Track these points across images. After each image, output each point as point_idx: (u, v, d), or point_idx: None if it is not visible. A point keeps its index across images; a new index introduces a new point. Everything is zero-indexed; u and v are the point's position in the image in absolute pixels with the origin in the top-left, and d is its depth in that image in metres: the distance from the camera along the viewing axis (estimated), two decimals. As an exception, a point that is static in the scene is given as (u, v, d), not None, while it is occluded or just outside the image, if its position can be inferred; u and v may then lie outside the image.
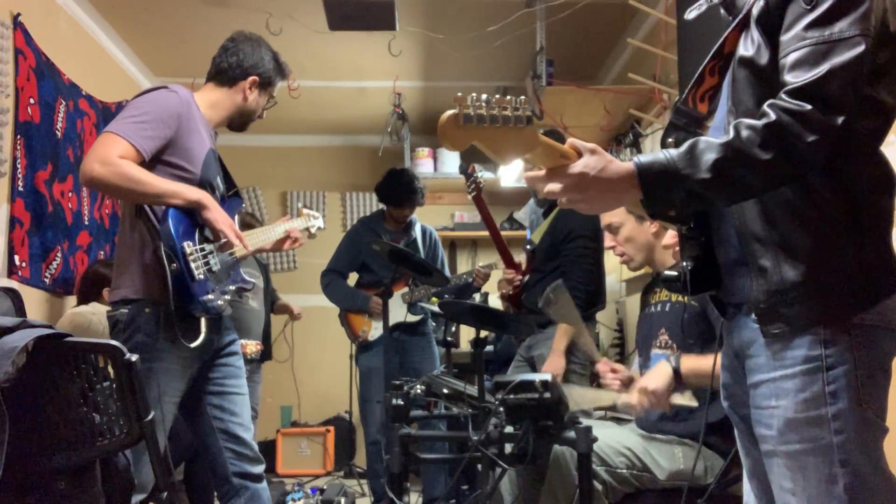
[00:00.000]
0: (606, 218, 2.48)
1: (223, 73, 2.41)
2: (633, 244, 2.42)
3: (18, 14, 3.25)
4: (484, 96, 1.19)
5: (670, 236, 2.28)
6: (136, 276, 2.18)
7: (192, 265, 2.14)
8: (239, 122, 2.47)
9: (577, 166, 1.24)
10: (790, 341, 1.25)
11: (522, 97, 1.22)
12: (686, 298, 2.26)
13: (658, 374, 2.11)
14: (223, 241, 2.25)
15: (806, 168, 1.20)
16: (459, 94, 1.19)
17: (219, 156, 2.43)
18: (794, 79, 1.19)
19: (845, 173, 1.24)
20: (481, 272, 4.02)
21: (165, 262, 2.10)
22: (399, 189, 3.98)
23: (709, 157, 1.20)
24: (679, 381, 2.08)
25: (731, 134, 1.20)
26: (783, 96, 1.19)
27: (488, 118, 1.19)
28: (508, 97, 1.21)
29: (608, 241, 2.50)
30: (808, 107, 1.16)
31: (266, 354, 4.70)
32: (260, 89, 2.45)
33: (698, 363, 2.09)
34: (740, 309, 1.37)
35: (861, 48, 1.17)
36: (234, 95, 2.41)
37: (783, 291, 1.25)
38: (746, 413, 1.37)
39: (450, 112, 1.20)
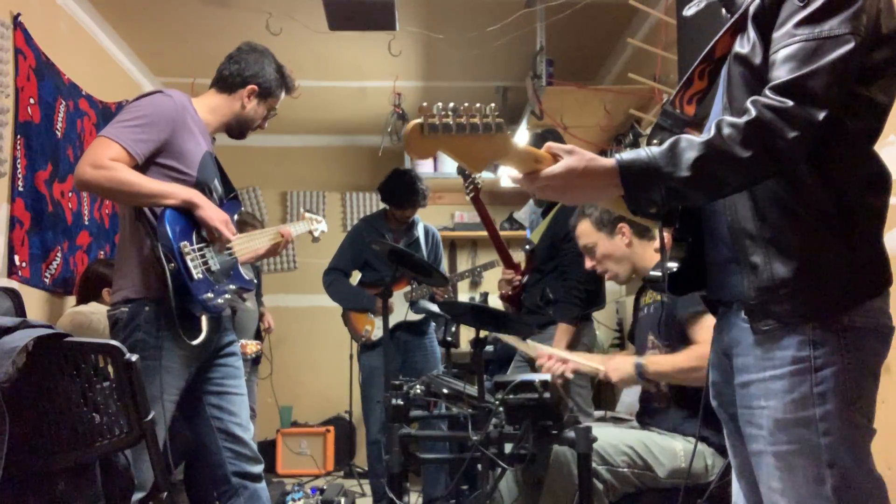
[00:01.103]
0: (581, 241, 2.52)
1: (224, 80, 2.45)
2: (611, 259, 2.47)
3: (18, 14, 3.26)
4: (451, 104, 1.18)
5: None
6: (135, 275, 2.20)
7: (190, 264, 2.15)
8: (237, 129, 2.50)
9: (558, 168, 1.26)
10: (779, 340, 1.25)
11: (492, 104, 1.21)
12: (661, 297, 2.33)
13: (624, 376, 2.26)
14: (218, 239, 2.26)
15: (787, 164, 1.21)
16: (424, 103, 1.18)
17: (217, 159, 2.45)
18: (780, 74, 1.20)
19: (838, 171, 1.24)
20: (441, 293, 3.98)
21: (164, 262, 2.11)
22: (401, 190, 3.98)
23: (689, 155, 1.20)
24: (645, 379, 2.25)
25: (713, 132, 1.21)
26: (767, 92, 1.20)
27: (454, 127, 1.17)
28: (478, 104, 1.19)
29: (588, 263, 2.54)
30: (790, 103, 1.17)
31: (258, 359, 4.73)
32: (259, 99, 2.47)
33: (662, 366, 2.22)
34: (730, 307, 1.38)
35: (850, 46, 1.17)
36: (232, 103, 2.44)
37: (774, 288, 1.25)
38: (735, 412, 1.37)
39: (414, 121, 1.19)
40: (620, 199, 1.27)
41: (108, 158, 2.09)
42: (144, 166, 2.18)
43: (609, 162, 1.26)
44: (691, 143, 1.22)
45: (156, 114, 2.20)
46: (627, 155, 1.25)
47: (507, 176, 1.36)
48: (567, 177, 1.26)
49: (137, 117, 2.18)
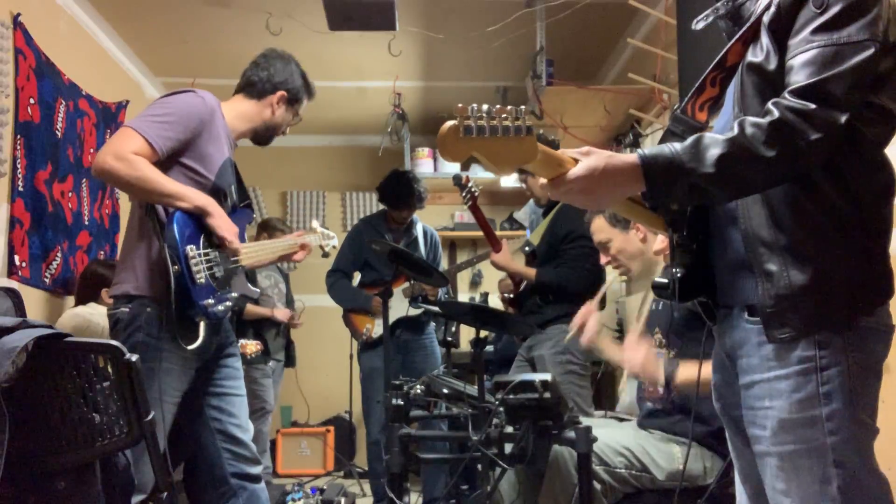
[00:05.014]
0: (596, 237, 2.55)
1: (253, 86, 2.45)
2: (625, 254, 2.50)
3: (18, 14, 3.25)
4: (485, 106, 1.16)
5: (660, 241, 2.32)
6: (140, 272, 2.19)
7: (194, 269, 2.15)
8: (265, 135, 2.52)
9: (580, 169, 1.24)
10: (794, 345, 1.25)
11: (523, 106, 1.20)
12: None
13: (653, 373, 2.15)
14: (227, 248, 2.26)
15: (808, 166, 1.21)
16: (460, 104, 1.16)
17: (235, 165, 2.45)
18: (799, 79, 1.20)
19: (855, 179, 1.24)
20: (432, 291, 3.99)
21: (169, 263, 2.11)
22: (398, 192, 3.98)
23: (713, 151, 1.20)
24: (668, 388, 2.14)
25: (736, 130, 1.21)
26: (787, 95, 1.20)
27: (488, 129, 1.16)
28: (509, 107, 1.18)
29: (603, 259, 2.57)
30: (813, 105, 1.17)
31: (290, 360, 4.74)
32: (287, 105, 2.48)
33: (692, 374, 2.07)
34: (731, 309, 1.37)
35: (870, 52, 1.18)
36: (262, 109, 2.45)
37: (791, 296, 1.24)
38: (738, 414, 1.37)
39: (450, 123, 1.17)
40: (630, 202, 1.26)
41: (130, 151, 2.09)
42: (166, 163, 2.18)
43: (631, 157, 1.25)
44: (715, 140, 1.21)
45: (185, 113, 2.20)
46: (650, 150, 1.24)
47: (533, 183, 1.34)
48: (589, 177, 1.24)
49: (167, 113, 2.18)
